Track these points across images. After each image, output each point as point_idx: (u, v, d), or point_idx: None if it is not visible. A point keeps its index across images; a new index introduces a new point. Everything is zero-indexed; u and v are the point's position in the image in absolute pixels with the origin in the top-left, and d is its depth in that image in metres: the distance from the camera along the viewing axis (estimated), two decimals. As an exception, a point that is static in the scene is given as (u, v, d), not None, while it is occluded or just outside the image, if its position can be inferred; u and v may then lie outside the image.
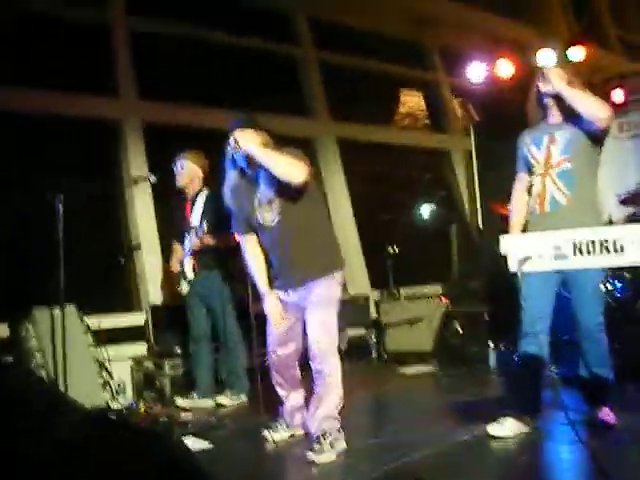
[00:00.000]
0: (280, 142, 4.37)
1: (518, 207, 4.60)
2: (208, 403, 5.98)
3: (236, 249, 4.84)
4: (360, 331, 8.04)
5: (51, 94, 7.35)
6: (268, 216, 4.31)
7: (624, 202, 6.87)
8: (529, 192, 4.51)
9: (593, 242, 2.61)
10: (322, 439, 4.15)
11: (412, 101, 11.25)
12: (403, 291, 8.57)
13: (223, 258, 5.94)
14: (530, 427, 4.37)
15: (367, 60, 10.25)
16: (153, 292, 7.35)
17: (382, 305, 8.10)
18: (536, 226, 4.40)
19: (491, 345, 6.64)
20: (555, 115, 4.37)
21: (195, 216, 6.00)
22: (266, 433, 4.60)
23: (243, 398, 6.01)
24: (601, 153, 4.37)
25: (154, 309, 7.07)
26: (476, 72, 7.86)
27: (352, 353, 7.71)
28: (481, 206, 9.16)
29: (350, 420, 5.05)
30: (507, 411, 4.41)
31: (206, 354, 6.12)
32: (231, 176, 4.45)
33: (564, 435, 4.18)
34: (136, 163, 7.63)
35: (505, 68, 7.80)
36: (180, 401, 5.97)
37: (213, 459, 4.36)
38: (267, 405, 5.02)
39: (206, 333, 6.10)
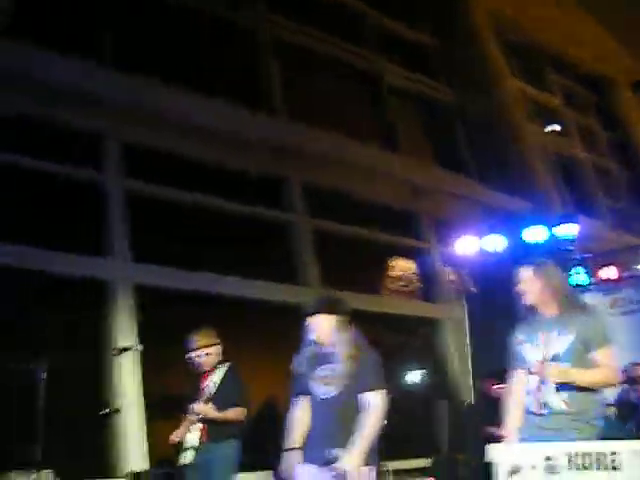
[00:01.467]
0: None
1: (514, 411, 4.25)
2: None
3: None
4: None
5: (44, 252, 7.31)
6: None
7: (622, 383, 6.70)
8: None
9: (589, 455, 2.41)
10: None
11: (404, 267, 11.24)
12: (390, 465, 8.16)
13: (234, 430, 5.62)
14: None
15: (361, 228, 10.28)
16: (136, 458, 7.02)
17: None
18: (531, 424, 4.15)
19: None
20: (550, 308, 4.18)
21: (211, 385, 5.71)
22: None
23: None
24: None
25: (134, 476, 6.70)
26: (468, 244, 7.88)
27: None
28: (473, 381, 8.97)
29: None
30: None
31: None
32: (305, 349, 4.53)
33: None
34: (124, 331, 7.46)
35: (496, 242, 7.81)
36: None
37: None
38: None
39: None
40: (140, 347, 5.99)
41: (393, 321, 10.46)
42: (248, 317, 8.70)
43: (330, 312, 4.51)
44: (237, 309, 8.63)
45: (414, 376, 10.10)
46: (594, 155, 17.11)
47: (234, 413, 5.51)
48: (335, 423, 4.30)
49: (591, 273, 8.23)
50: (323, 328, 4.44)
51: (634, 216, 15.78)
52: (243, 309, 8.68)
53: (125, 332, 7.43)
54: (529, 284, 4.16)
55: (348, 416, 4.27)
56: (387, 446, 7.93)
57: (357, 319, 9.89)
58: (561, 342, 4.06)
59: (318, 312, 4.50)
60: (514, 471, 2.51)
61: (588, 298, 8.05)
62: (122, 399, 7.23)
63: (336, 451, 4.17)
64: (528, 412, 4.18)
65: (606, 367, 3.99)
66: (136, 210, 8.11)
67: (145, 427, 7.17)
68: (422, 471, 8.01)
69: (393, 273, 11.11)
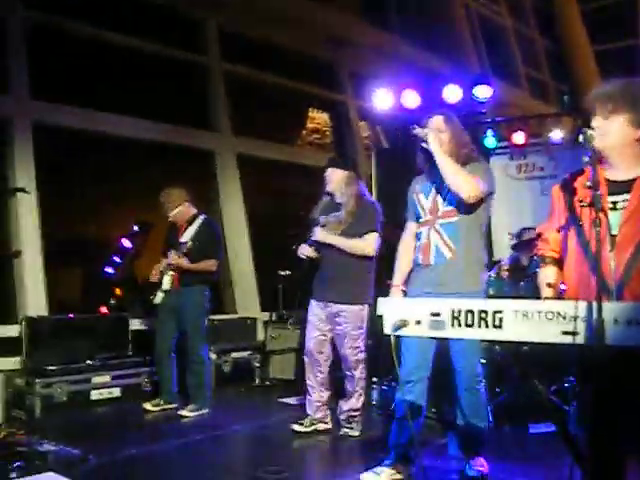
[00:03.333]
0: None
1: (404, 258, 4.46)
2: (173, 406, 6.27)
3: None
4: (245, 354, 7.76)
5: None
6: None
7: (514, 247, 6.92)
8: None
9: (472, 312, 2.46)
10: (351, 423, 5.39)
11: (319, 119, 11.14)
12: (292, 314, 8.35)
13: (205, 278, 6.27)
14: (403, 474, 4.27)
15: (276, 76, 10.04)
16: (34, 303, 6.90)
17: (270, 330, 7.88)
18: (418, 278, 4.30)
19: (374, 380, 6.49)
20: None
21: (186, 237, 6.23)
22: (294, 426, 5.36)
23: (204, 411, 6.14)
24: (487, 209, 4.28)
25: (30, 321, 6.54)
26: (383, 98, 7.78)
27: (236, 376, 7.48)
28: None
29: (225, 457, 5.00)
30: (382, 457, 4.33)
31: (167, 367, 6.29)
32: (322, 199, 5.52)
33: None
34: (22, 172, 7.13)
35: (412, 98, 7.75)
36: (148, 406, 6.25)
37: None
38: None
39: (170, 347, 6.26)
40: (29, 190, 6.00)
41: (308, 172, 10.46)
42: (158, 161, 8.54)
43: (340, 167, 5.37)
44: (146, 153, 8.45)
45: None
46: (518, 23, 17.01)
47: (205, 264, 6.19)
48: (336, 265, 5.24)
49: (500, 137, 8.33)
50: (334, 181, 5.34)
51: (550, 86, 15.94)
52: (154, 155, 8.50)
53: (23, 173, 7.10)
54: (438, 132, 4.19)
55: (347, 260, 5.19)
56: (291, 296, 8.17)
57: (271, 168, 9.90)
58: (451, 192, 4.16)
59: (330, 167, 5.39)
60: (400, 325, 2.56)
61: (495, 162, 8.26)
62: (19, 242, 7.00)
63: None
64: (417, 265, 4.32)
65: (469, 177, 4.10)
66: (40, 44, 7.63)
67: (44, 272, 7.02)
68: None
69: (309, 125, 11.01)
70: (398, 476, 4.25)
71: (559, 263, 2.98)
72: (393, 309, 2.62)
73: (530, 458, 4.79)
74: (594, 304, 2.29)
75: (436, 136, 4.14)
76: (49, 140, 7.38)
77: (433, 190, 4.29)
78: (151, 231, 8.47)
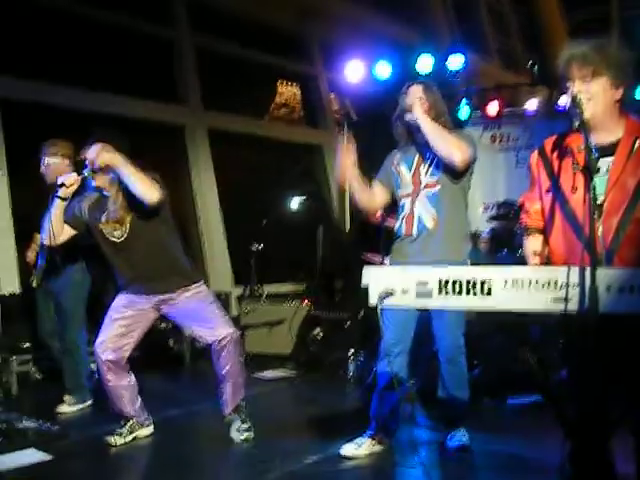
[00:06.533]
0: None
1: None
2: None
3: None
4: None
5: None
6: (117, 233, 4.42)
7: (490, 219, 6.92)
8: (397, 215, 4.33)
9: (460, 281, 2.40)
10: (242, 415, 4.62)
11: (289, 93, 11.02)
12: (265, 289, 8.29)
13: (83, 257, 5.47)
14: (384, 446, 4.28)
15: (245, 49, 9.88)
16: (6, 281, 6.75)
17: (243, 304, 7.80)
18: (400, 249, 4.25)
19: (351, 353, 6.45)
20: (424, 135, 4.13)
21: None
22: (110, 439, 4.55)
23: (85, 404, 5.52)
24: (470, 179, 4.24)
25: (3, 299, 6.44)
26: (355, 71, 7.70)
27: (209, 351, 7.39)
28: (350, 208, 9.07)
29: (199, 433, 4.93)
30: (361, 428, 4.30)
31: (55, 353, 5.69)
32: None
33: (415, 457, 4.11)
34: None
35: (384, 69, 7.68)
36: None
37: (52, 472, 4.10)
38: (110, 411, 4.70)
39: (52, 331, 5.65)
40: (2, 172, 5.65)
41: (276, 146, 10.36)
42: (127, 136, 8.36)
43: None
44: (115, 128, 8.26)
45: (294, 202, 10.11)
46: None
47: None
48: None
49: (473, 107, 8.29)
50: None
51: (522, 57, 15.89)
52: (122, 130, 8.31)
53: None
54: (426, 103, 4.13)
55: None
56: (263, 270, 8.12)
57: (241, 142, 9.78)
58: (431, 160, 4.14)
59: None
60: (386, 295, 2.49)
61: (470, 132, 8.22)
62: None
63: None
64: (399, 237, 4.27)
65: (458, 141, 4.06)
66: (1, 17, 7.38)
67: (15, 249, 6.89)
68: (297, 295, 8.16)
69: (278, 98, 10.88)
70: (379, 447, 4.25)
71: (542, 233, 2.93)
72: (379, 278, 2.55)
73: (510, 429, 4.79)
74: (587, 271, 2.24)
75: (422, 105, 4.08)
76: (15, 116, 7.19)
77: (415, 162, 4.22)
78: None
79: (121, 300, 4.53)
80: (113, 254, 4.47)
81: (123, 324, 4.48)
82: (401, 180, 4.26)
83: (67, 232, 4.51)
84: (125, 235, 4.39)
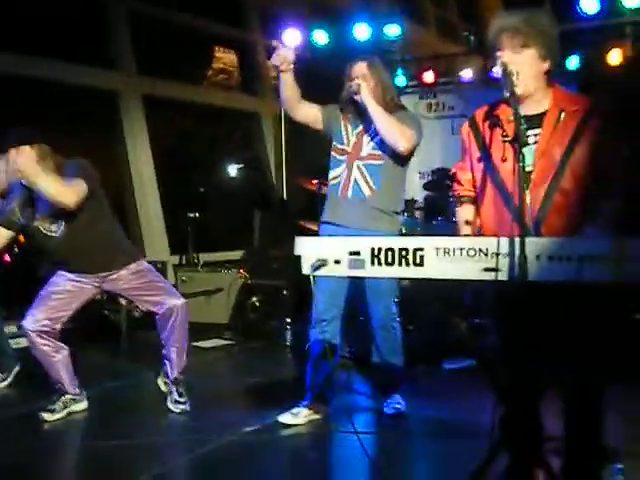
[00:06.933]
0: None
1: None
2: None
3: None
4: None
5: None
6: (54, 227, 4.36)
7: (426, 187, 6.97)
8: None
9: (392, 250, 2.41)
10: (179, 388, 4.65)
11: (226, 59, 10.88)
12: (202, 257, 8.24)
13: None
14: (321, 414, 4.31)
15: (182, 13, 9.69)
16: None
17: (180, 273, 7.75)
18: (334, 211, 4.26)
19: (288, 321, 6.48)
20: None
21: None
22: (43, 415, 4.49)
23: (9, 380, 5.37)
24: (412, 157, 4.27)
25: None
26: (292, 37, 7.64)
27: (147, 321, 7.33)
28: (287, 176, 9.05)
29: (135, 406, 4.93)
30: (299, 397, 4.34)
31: None
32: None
33: (351, 424, 4.10)
34: None
35: (321, 37, 7.64)
36: None
37: None
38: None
39: None
40: None
41: (213, 113, 10.24)
42: (58, 103, 8.18)
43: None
44: (45, 94, 8.07)
45: (232, 170, 10.03)
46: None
47: None
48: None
49: (410, 76, 8.31)
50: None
51: (458, 26, 15.94)
52: (53, 96, 8.12)
53: None
54: (363, 79, 4.12)
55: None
56: (200, 238, 8.08)
57: (176, 109, 9.63)
58: (375, 134, 4.14)
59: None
60: (319, 265, 2.49)
61: (405, 100, 8.25)
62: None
63: None
64: (333, 195, 4.28)
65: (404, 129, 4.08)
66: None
67: None
68: (233, 263, 8.14)
69: (215, 65, 10.75)
70: (316, 416, 4.28)
71: (475, 202, 2.97)
72: (311, 249, 2.55)
73: (445, 394, 4.86)
74: (516, 240, 2.28)
75: (367, 86, 4.09)
76: None
77: (361, 127, 4.23)
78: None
79: (60, 277, 4.49)
80: (53, 247, 4.42)
81: (60, 297, 4.44)
82: (344, 135, 4.26)
83: (3, 235, 4.44)
84: (62, 228, 4.34)
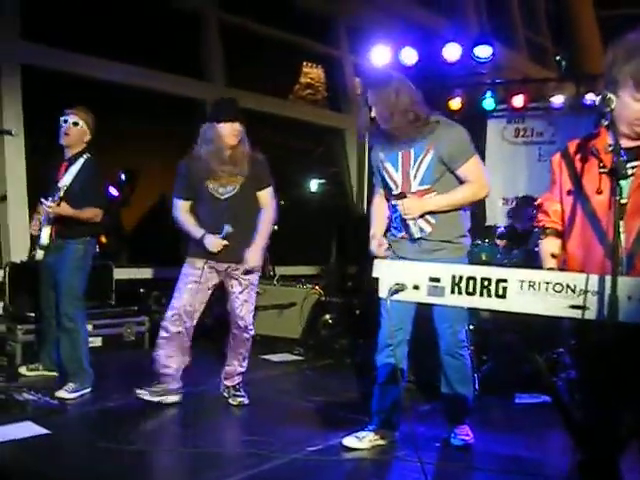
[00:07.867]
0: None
1: (378, 218, 4.25)
2: (53, 374, 5.50)
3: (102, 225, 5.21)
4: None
5: None
6: None
7: (510, 215, 6.84)
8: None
9: (474, 279, 2.31)
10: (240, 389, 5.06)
11: (313, 74, 10.93)
12: (279, 271, 8.23)
13: (88, 231, 5.25)
14: (386, 440, 4.21)
15: (271, 27, 9.76)
16: (18, 249, 6.74)
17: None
18: (400, 248, 4.15)
19: (360, 340, 6.41)
20: (403, 127, 3.93)
21: (66, 179, 5.19)
22: (141, 392, 4.84)
23: (86, 390, 5.12)
24: None
25: (13, 267, 6.44)
26: (381, 55, 7.61)
27: (217, 330, 7.34)
28: (368, 194, 8.97)
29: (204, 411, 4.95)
30: (364, 420, 4.28)
31: (50, 330, 5.47)
32: None
33: (416, 453, 3.97)
34: (10, 114, 6.92)
35: (410, 56, 7.57)
36: (24, 370, 5.62)
37: (47, 446, 4.05)
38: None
39: (52, 307, 5.35)
40: (15, 131, 5.61)
41: (298, 127, 10.27)
42: (148, 109, 8.33)
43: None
44: (136, 100, 8.22)
45: (313, 185, 10.03)
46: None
47: (90, 213, 5.14)
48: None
49: (499, 99, 8.16)
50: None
51: (550, 51, 15.72)
52: (144, 102, 8.27)
53: (11, 115, 6.90)
54: (379, 105, 3.91)
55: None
56: (278, 251, 8.08)
57: (262, 122, 9.69)
58: (419, 163, 3.98)
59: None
60: (397, 289, 2.41)
61: (492, 124, 8.12)
62: (5, 186, 6.85)
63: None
64: (393, 237, 4.17)
65: (473, 182, 3.99)
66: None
67: (28, 217, 6.70)
68: (309, 279, 8.11)
69: (302, 79, 10.80)
70: (381, 442, 4.19)
71: (560, 235, 2.85)
72: (390, 272, 2.48)
73: (516, 428, 4.70)
74: (607, 278, 2.16)
75: (421, 206, 3.98)
76: (38, 83, 7.13)
77: (400, 161, 4.04)
78: (138, 179, 8.29)
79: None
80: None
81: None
82: (391, 181, 4.11)
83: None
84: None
